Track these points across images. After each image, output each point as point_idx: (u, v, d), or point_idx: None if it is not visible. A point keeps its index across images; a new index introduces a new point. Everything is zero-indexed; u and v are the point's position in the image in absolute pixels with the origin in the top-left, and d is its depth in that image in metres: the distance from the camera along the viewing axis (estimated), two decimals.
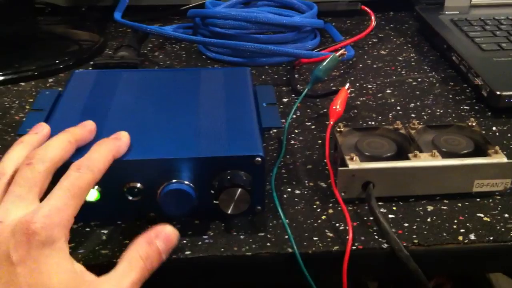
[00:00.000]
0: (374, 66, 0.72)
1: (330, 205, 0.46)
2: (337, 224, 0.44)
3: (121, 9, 0.77)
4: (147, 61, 0.73)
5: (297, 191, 0.48)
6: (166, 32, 0.72)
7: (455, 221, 0.45)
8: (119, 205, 0.43)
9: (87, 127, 0.43)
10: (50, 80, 0.68)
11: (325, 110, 0.61)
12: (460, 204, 0.46)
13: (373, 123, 0.58)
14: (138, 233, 0.43)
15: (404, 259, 0.41)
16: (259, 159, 0.42)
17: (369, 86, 0.66)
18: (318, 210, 0.46)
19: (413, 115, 0.60)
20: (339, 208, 0.46)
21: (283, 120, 0.56)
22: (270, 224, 0.44)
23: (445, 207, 0.46)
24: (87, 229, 0.44)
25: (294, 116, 0.60)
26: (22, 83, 0.67)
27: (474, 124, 0.51)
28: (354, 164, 0.45)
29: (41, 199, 0.37)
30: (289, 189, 0.48)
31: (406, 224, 0.44)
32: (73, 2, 0.86)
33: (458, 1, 0.82)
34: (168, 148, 0.43)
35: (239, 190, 0.41)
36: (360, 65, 0.72)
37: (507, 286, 0.89)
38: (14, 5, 0.73)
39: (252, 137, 0.44)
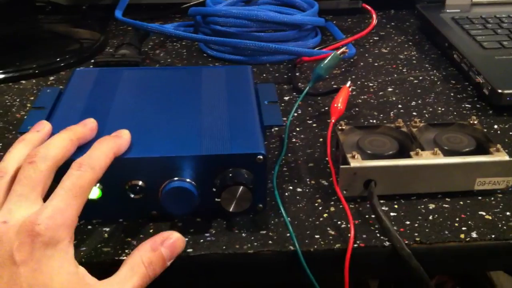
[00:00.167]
0: (376, 64, 0.72)
1: (332, 203, 0.46)
2: (339, 222, 0.44)
3: (122, 7, 0.77)
4: (148, 59, 0.73)
5: (299, 189, 0.48)
6: (167, 30, 0.72)
7: (457, 219, 0.45)
8: (121, 203, 0.43)
9: (88, 125, 0.43)
10: (51, 78, 0.68)
11: (326, 108, 0.61)
12: (461, 202, 0.46)
13: (374, 121, 0.58)
14: (140, 231, 0.43)
15: (405, 257, 0.41)
16: (261, 157, 0.42)
17: (371, 84, 0.66)
18: (320, 208, 0.46)
19: (414, 113, 0.60)
20: (341, 206, 0.46)
21: (285, 118, 0.56)
22: (272, 222, 0.44)
23: (446, 205, 0.46)
24: (89, 227, 0.44)
25: (296, 114, 0.60)
26: (23, 81, 0.67)
27: (475, 122, 0.51)
28: (356, 162, 0.45)
29: (44, 197, 0.37)
30: (291, 187, 0.48)
31: (407, 222, 0.44)
32: (74, 0, 0.86)
33: None
34: (169, 146, 0.43)
35: (241, 188, 0.41)
36: (361, 63, 0.72)
37: (508, 284, 0.89)
38: (15, 4, 0.73)
39: (253, 135, 0.44)
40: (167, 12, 0.86)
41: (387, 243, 0.42)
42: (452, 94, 0.64)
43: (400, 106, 0.61)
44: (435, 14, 0.79)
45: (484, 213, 0.45)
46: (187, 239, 0.42)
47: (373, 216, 0.44)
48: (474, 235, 0.43)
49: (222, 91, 0.51)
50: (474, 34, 0.72)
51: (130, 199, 0.43)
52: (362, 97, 0.63)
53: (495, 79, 0.61)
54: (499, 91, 0.59)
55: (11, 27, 0.74)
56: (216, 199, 0.42)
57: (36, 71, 0.68)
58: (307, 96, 0.61)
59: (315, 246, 0.42)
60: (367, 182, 0.46)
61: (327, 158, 0.51)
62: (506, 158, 0.46)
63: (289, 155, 0.53)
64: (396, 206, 0.46)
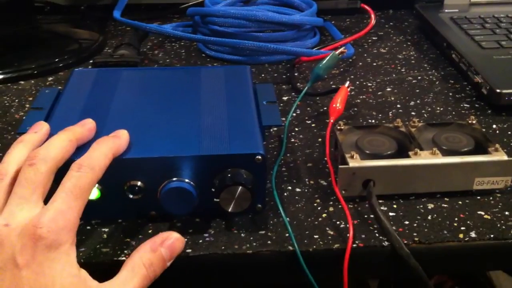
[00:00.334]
0: (374, 64, 0.72)
1: (331, 203, 0.46)
2: (338, 222, 0.44)
3: (121, 7, 0.77)
4: (147, 60, 0.73)
5: (298, 189, 0.48)
6: (166, 31, 0.72)
7: (456, 219, 0.45)
8: (120, 203, 0.43)
9: (87, 126, 0.43)
10: (50, 78, 0.68)
11: (325, 108, 0.61)
12: (460, 202, 0.46)
13: (373, 121, 0.58)
14: (139, 231, 0.43)
15: (404, 257, 0.41)
16: (260, 157, 0.42)
17: (369, 84, 0.66)
18: (319, 208, 0.46)
19: (413, 113, 0.60)
20: (340, 206, 0.46)
21: (283, 118, 0.56)
22: (271, 222, 0.44)
23: (445, 205, 0.46)
24: (88, 228, 0.44)
25: (294, 114, 0.60)
26: (22, 82, 0.67)
27: (474, 122, 0.51)
28: (355, 162, 0.45)
29: (45, 199, 0.37)
30: (290, 187, 0.48)
31: (406, 222, 0.44)
32: (72, 1, 0.86)
33: None
34: (168, 146, 0.43)
35: (240, 188, 0.41)
36: (360, 63, 0.72)
37: (507, 284, 0.89)
38: (14, 4, 0.72)
39: (252, 135, 0.44)
40: (165, 12, 0.86)
41: (386, 243, 0.42)
42: (450, 94, 0.64)
43: (398, 106, 0.61)
44: (434, 14, 0.79)
45: (483, 213, 0.45)
46: (186, 239, 0.42)
47: (372, 216, 0.44)
48: (473, 234, 0.43)
49: (221, 91, 0.51)
50: (472, 34, 0.72)
51: (129, 199, 0.43)
52: (361, 97, 0.63)
53: (494, 78, 0.61)
54: (498, 90, 0.59)
55: (10, 27, 0.74)
56: (215, 199, 0.41)
57: (35, 72, 0.68)
58: (306, 96, 0.61)
59: (314, 246, 0.42)
60: (366, 182, 0.46)
61: (326, 158, 0.51)
62: (505, 157, 0.46)
63: (288, 155, 0.53)
64: (395, 206, 0.46)
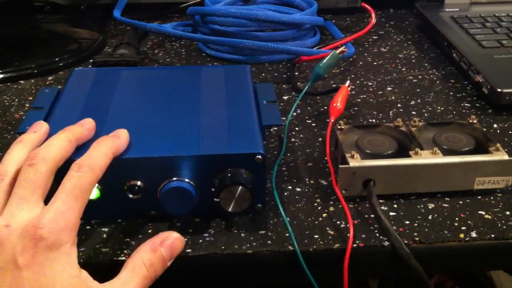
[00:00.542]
0: (375, 63, 0.72)
1: (331, 203, 0.46)
2: (338, 222, 0.44)
3: (121, 7, 0.77)
4: (146, 59, 0.73)
5: (298, 189, 0.48)
6: (166, 30, 0.72)
7: (456, 218, 0.45)
8: (119, 203, 0.43)
9: (87, 125, 0.43)
10: (50, 78, 0.68)
11: (325, 107, 0.61)
12: (461, 202, 0.46)
13: (373, 120, 0.58)
14: (138, 231, 0.43)
15: (405, 257, 0.41)
16: (260, 157, 0.42)
17: (370, 83, 0.66)
18: (319, 208, 0.46)
19: (413, 113, 0.60)
20: (340, 206, 0.46)
21: (284, 118, 0.56)
22: (271, 222, 0.44)
23: (446, 205, 0.46)
24: (88, 227, 0.44)
25: (295, 113, 0.60)
26: (22, 81, 0.67)
27: (475, 121, 0.51)
28: (355, 161, 0.45)
29: (45, 199, 0.37)
30: (290, 187, 0.48)
31: (407, 222, 0.44)
32: (72, 0, 0.86)
33: None
34: (168, 146, 0.42)
35: (240, 188, 0.41)
36: (361, 63, 0.72)
37: (508, 283, 0.89)
38: (14, 4, 0.72)
39: (252, 135, 0.44)
40: (165, 11, 0.86)
41: (386, 243, 0.42)
42: (451, 93, 0.64)
43: (399, 105, 0.61)
44: (434, 13, 0.79)
45: (483, 213, 0.45)
46: (186, 239, 0.42)
47: (372, 215, 0.44)
48: (473, 234, 0.43)
49: (221, 91, 0.51)
50: (473, 33, 0.72)
51: (128, 199, 0.43)
52: (361, 96, 0.63)
53: (494, 78, 0.60)
54: (499, 90, 0.59)
55: (10, 27, 0.73)
56: (215, 199, 0.41)
57: (35, 71, 0.68)
58: (306, 95, 0.61)
59: (314, 246, 0.42)
60: (366, 182, 0.45)
61: (326, 158, 0.50)
62: (506, 157, 0.46)
63: (288, 154, 0.53)
64: (395, 206, 0.46)
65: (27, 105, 0.62)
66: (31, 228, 0.34)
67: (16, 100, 0.63)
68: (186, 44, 0.78)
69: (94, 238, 0.43)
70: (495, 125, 0.57)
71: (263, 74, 0.69)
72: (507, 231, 0.43)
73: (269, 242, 0.42)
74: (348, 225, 0.43)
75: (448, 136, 0.49)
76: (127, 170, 0.42)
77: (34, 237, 0.34)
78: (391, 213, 0.45)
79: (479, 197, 0.47)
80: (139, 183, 0.42)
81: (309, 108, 0.61)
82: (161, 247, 0.38)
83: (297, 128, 0.57)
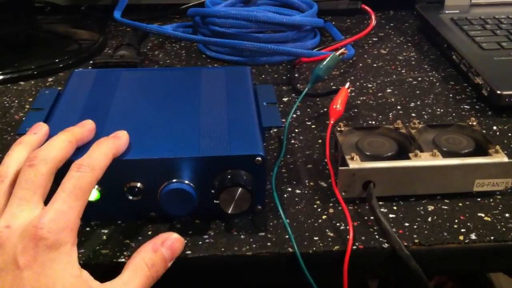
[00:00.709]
0: (374, 65, 0.72)
1: (331, 204, 0.46)
2: (338, 224, 0.44)
3: (121, 8, 0.77)
4: (147, 60, 0.73)
5: (298, 191, 0.48)
6: (166, 31, 0.72)
7: (456, 220, 0.45)
8: (119, 204, 0.43)
9: (87, 126, 0.43)
10: (50, 79, 0.68)
11: (325, 109, 0.61)
12: (461, 204, 0.46)
13: (373, 122, 0.58)
14: (138, 233, 0.43)
15: (405, 259, 0.41)
16: (260, 158, 0.42)
17: (370, 85, 0.66)
18: (319, 209, 0.46)
19: (413, 115, 0.60)
20: (340, 208, 0.46)
21: (284, 120, 0.56)
22: (271, 223, 0.44)
23: (445, 207, 0.46)
24: (87, 229, 0.44)
25: (295, 115, 0.60)
26: (22, 83, 0.67)
27: (474, 123, 0.51)
28: (355, 163, 0.45)
29: (45, 200, 0.37)
30: (290, 189, 0.48)
31: (406, 224, 0.44)
32: (73, 1, 0.86)
33: (458, 0, 0.82)
34: (168, 148, 0.42)
35: (240, 189, 0.41)
36: (360, 64, 0.72)
37: (508, 285, 0.89)
38: (14, 4, 0.72)
39: (252, 136, 0.44)
40: (166, 13, 0.86)
41: (386, 245, 0.42)
42: (451, 95, 0.64)
43: (399, 107, 0.61)
44: (434, 15, 0.79)
45: (483, 215, 0.45)
46: (185, 241, 0.42)
47: (372, 217, 0.44)
48: (473, 236, 0.43)
49: (221, 92, 0.51)
50: (473, 35, 0.72)
51: (128, 200, 0.43)
52: (361, 98, 0.63)
53: (494, 80, 0.60)
54: (498, 92, 0.59)
55: (10, 27, 0.73)
56: (214, 201, 0.41)
57: (35, 72, 0.68)
58: (306, 97, 0.61)
59: (314, 248, 0.42)
60: (366, 184, 0.45)
61: (326, 160, 0.51)
62: (505, 159, 0.46)
63: (288, 156, 0.53)
64: (395, 208, 0.46)
65: (27, 106, 0.62)
66: (32, 228, 0.34)
67: (16, 101, 0.63)
68: (187, 46, 0.78)
69: (94, 239, 0.43)
70: (494, 127, 0.57)
71: (263, 76, 0.69)
72: (506, 233, 0.43)
73: (268, 243, 0.42)
74: (347, 227, 0.43)
75: (447, 138, 0.49)
76: (127, 172, 0.42)
77: (34, 237, 0.34)
78: (390, 215, 0.45)
79: (479, 199, 0.47)
80: (139, 184, 0.42)
81: (309, 109, 0.61)
82: (162, 247, 0.38)
83: (297, 130, 0.57)
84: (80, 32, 0.81)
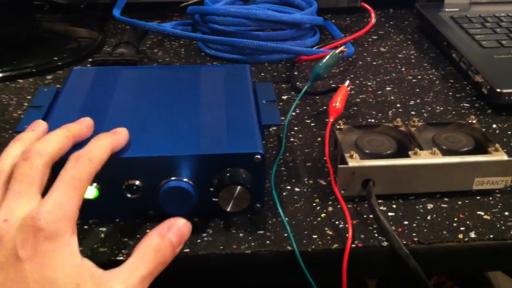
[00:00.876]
0: (374, 63, 0.72)
1: (330, 203, 0.46)
2: (337, 222, 0.44)
3: (120, 6, 0.77)
4: (146, 58, 0.73)
5: (297, 189, 0.48)
6: (165, 29, 0.72)
7: (455, 219, 0.44)
8: (118, 203, 0.43)
9: (85, 123, 0.43)
10: (49, 77, 0.68)
11: (324, 107, 0.61)
12: (460, 202, 0.46)
13: (373, 120, 0.58)
14: (137, 231, 0.43)
15: (404, 257, 0.41)
16: (259, 156, 0.42)
17: (369, 83, 0.66)
18: (318, 208, 0.46)
19: (413, 113, 0.60)
20: (339, 206, 0.45)
21: (283, 118, 0.56)
22: (270, 222, 0.44)
23: (445, 205, 0.46)
24: (86, 227, 0.44)
25: (294, 113, 0.60)
26: (21, 80, 0.67)
27: (474, 121, 0.51)
28: (354, 161, 0.45)
29: (42, 193, 0.37)
30: (289, 187, 0.48)
31: (406, 222, 0.44)
32: None
33: None
34: (167, 146, 0.42)
35: (239, 187, 0.41)
36: (360, 62, 0.72)
37: (506, 284, 0.89)
38: (13, 3, 0.72)
39: (251, 134, 0.44)
40: (165, 11, 0.86)
41: (385, 243, 0.42)
42: (450, 93, 0.64)
43: (398, 105, 0.61)
44: (434, 13, 0.79)
45: (482, 213, 0.45)
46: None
47: (371, 216, 0.44)
48: (472, 235, 0.43)
49: (220, 90, 0.51)
50: (473, 33, 0.72)
51: (127, 199, 0.43)
52: (361, 96, 0.63)
53: (494, 78, 0.60)
54: (498, 90, 0.58)
55: (9, 25, 0.73)
56: (213, 199, 0.41)
57: (34, 70, 0.68)
58: (306, 95, 0.61)
59: (313, 246, 0.42)
60: (366, 182, 0.45)
61: (325, 158, 0.50)
62: (505, 157, 0.46)
63: (287, 154, 0.53)
64: (394, 206, 0.46)
65: (26, 104, 0.61)
66: (30, 220, 0.34)
67: (15, 99, 0.63)
68: (186, 44, 0.78)
69: (92, 238, 0.43)
70: (494, 125, 0.57)
71: (263, 74, 0.69)
72: (505, 232, 0.43)
73: (267, 242, 0.42)
74: (347, 225, 0.43)
75: (447, 136, 0.49)
76: (125, 170, 0.42)
77: (33, 228, 0.33)
78: (390, 213, 0.45)
79: (478, 197, 0.47)
80: (137, 182, 0.42)
81: (308, 108, 0.61)
82: (169, 232, 0.38)
83: (296, 128, 0.57)
84: (79, 30, 0.81)
